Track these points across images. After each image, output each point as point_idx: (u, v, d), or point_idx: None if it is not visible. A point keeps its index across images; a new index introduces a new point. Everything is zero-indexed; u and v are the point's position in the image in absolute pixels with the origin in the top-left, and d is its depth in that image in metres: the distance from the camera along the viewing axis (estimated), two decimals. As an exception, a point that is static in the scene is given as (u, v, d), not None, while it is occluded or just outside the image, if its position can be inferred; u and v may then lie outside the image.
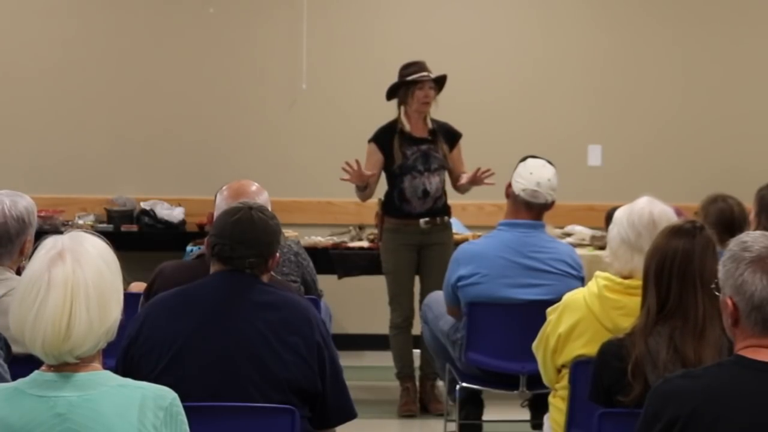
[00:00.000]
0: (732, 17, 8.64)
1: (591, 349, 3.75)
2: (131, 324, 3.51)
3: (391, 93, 6.76)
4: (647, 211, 3.99)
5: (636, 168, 8.53)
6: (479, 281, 5.30)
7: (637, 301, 3.60)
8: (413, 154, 6.67)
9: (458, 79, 7.16)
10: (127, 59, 8.37)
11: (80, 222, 7.81)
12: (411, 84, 6.66)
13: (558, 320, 4.05)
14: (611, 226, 4.08)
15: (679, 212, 4.14)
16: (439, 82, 6.71)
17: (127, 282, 4.86)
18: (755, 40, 8.66)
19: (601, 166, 8.59)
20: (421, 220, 6.67)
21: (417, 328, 6.30)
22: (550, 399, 4.23)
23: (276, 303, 3.55)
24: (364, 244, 7.43)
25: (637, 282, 3.74)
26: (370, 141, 6.76)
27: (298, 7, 8.34)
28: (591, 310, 3.95)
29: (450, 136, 6.76)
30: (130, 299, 2.97)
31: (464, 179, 6.72)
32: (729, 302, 2.71)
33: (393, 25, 8.50)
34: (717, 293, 2.79)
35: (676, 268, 3.45)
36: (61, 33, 8.36)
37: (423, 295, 6.36)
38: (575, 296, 4.06)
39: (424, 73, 6.65)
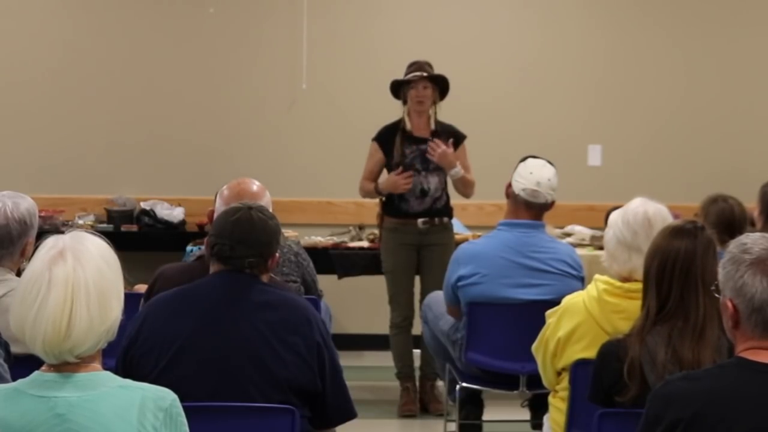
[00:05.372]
0: (732, 17, 8.64)
1: (591, 353, 3.74)
2: (131, 324, 3.51)
3: (395, 92, 6.76)
4: (642, 211, 3.98)
5: (636, 168, 8.53)
6: (479, 281, 5.29)
7: (636, 304, 3.60)
8: (412, 153, 6.66)
9: (458, 79, 7.14)
10: (127, 59, 8.37)
11: (80, 222, 7.81)
12: (407, 83, 6.66)
13: (557, 324, 4.04)
14: (606, 229, 4.07)
15: (676, 215, 4.13)
16: (438, 81, 6.71)
17: (130, 284, 4.86)
18: (755, 40, 8.66)
19: (601, 166, 8.59)
20: (419, 221, 6.66)
21: (417, 328, 6.30)
22: (550, 399, 4.23)
23: (275, 303, 3.55)
24: (364, 244, 7.43)
25: (637, 285, 3.74)
26: (372, 140, 6.77)
27: (298, 7, 8.34)
28: (590, 314, 3.94)
29: (453, 137, 6.73)
30: (131, 300, 2.97)
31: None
32: (729, 304, 2.71)
33: (393, 25, 8.50)
34: (717, 295, 2.79)
35: (678, 269, 3.45)
36: (61, 33, 8.36)
37: (423, 295, 6.35)
38: (574, 300, 4.04)
39: (417, 73, 6.65)
